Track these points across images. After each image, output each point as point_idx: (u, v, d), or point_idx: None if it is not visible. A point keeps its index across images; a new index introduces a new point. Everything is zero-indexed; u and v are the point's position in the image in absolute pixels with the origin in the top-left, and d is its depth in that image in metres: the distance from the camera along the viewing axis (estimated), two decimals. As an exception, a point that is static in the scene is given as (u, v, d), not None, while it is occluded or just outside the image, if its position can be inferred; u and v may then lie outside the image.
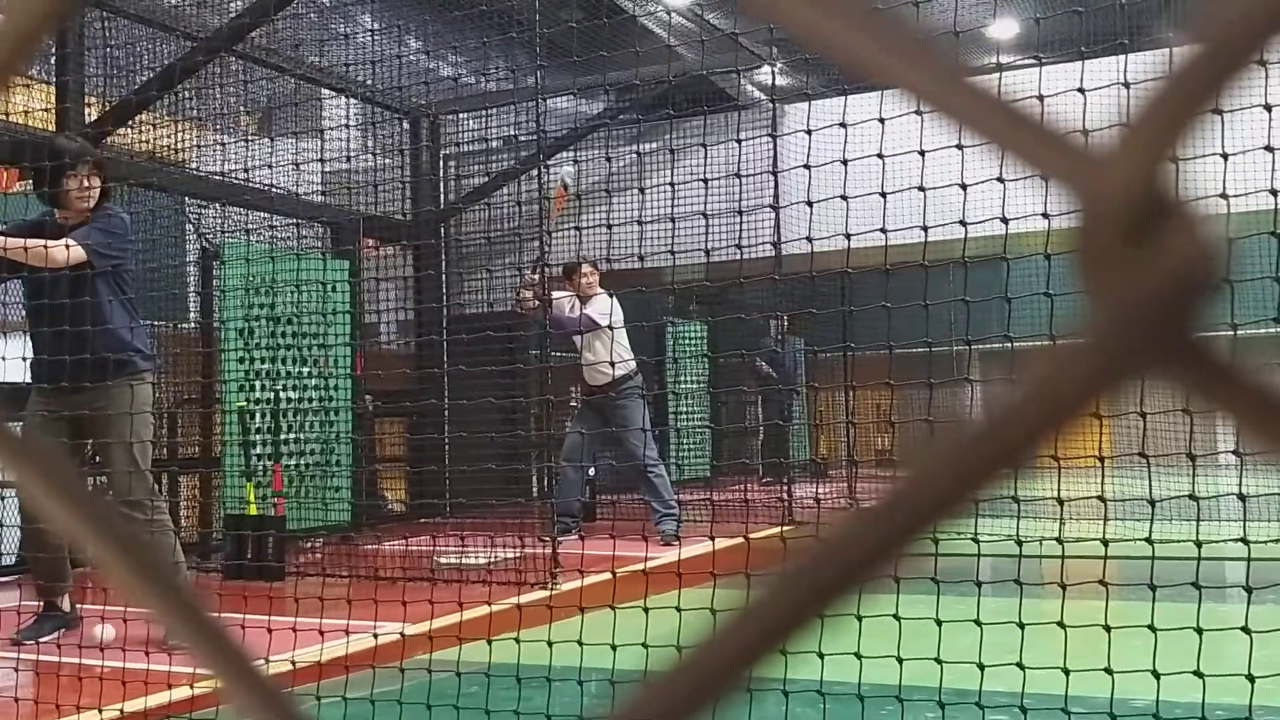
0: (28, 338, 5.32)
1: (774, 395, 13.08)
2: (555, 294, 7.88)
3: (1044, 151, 0.30)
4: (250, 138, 9.02)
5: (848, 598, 0.37)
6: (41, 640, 5.11)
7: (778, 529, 8.08)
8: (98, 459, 5.54)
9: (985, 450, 0.34)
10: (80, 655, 4.47)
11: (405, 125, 11.17)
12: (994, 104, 0.30)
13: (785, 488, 9.61)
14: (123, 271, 5.24)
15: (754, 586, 0.38)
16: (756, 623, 0.38)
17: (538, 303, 7.47)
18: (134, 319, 5.30)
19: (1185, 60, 0.28)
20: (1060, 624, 3.35)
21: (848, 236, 3.88)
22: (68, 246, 4.95)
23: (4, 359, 5.52)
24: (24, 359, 5.34)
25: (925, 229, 3.79)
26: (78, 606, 5.42)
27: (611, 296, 8.14)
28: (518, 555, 6.62)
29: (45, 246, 4.91)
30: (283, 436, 8.12)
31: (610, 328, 7.79)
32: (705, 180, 4.59)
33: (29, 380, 5.33)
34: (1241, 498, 3.56)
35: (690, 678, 0.38)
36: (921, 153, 3.91)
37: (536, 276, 7.35)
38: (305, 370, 8.48)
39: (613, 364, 7.11)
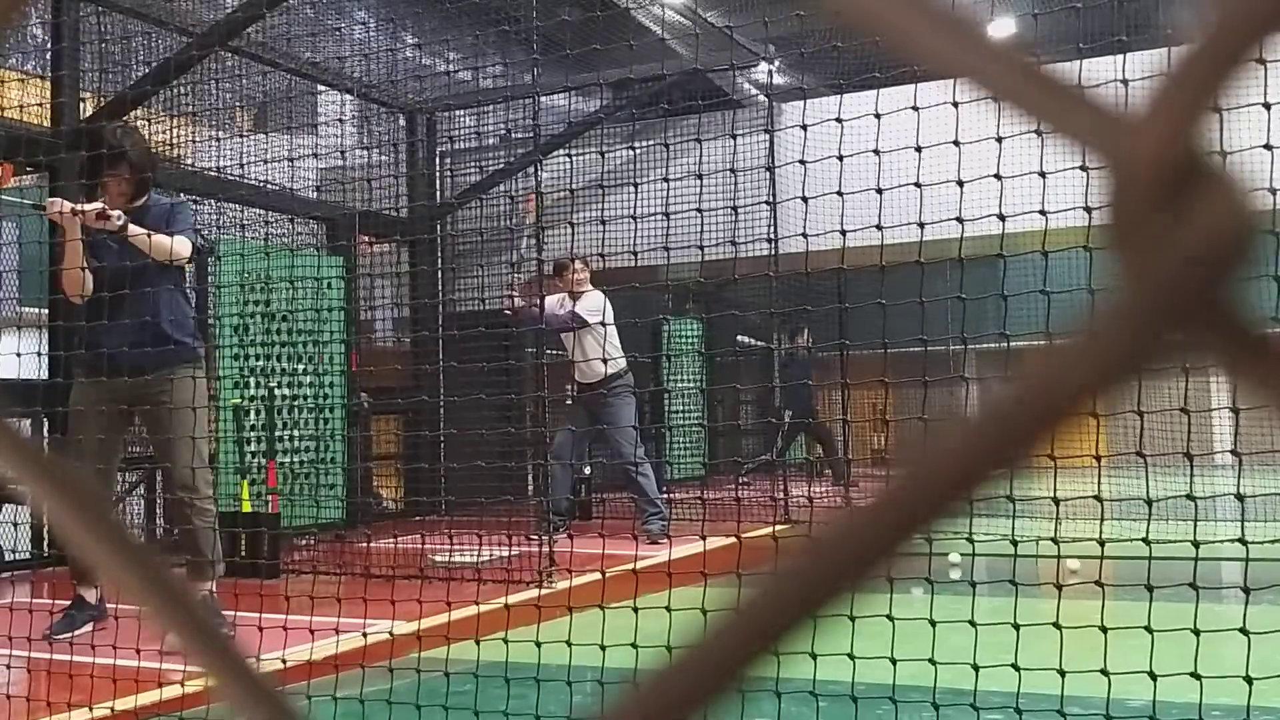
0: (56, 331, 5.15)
1: (772, 393, 13.03)
2: (548, 296, 7.87)
3: (1071, 113, 0.28)
4: (245, 133, 8.99)
5: (842, 597, 0.36)
6: (77, 634, 4.96)
7: (770, 528, 8.06)
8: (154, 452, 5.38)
9: (990, 444, 0.33)
10: (71, 652, 4.44)
11: (401, 121, 11.14)
12: (1018, 65, 0.28)
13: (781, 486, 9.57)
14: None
15: (747, 586, 0.37)
16: (750, 622, 0.36)
17: (524, 305, 7.45)
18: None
19: (1219, 16, 0.26)
20: (1056, 624, 3.33)
21: (843, 233, 3.86)
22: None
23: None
24: (38, 354, 5.24)
25: (921, 226, 3.78)
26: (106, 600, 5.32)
27: (603, 294, 8.11)
28: (514, 554, 6.60)
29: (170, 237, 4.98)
30: (278, 433, 8.09)
31: (602, 324, 7.76)
32: (700, 177, 4.57)
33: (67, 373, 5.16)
34: (1239, 498, 3.55)
35: (683, 678, 0.37)
36: (918, 149, 3.89)
37: (522, 280, 7.34)
38: (300, 367, 8.46)
39: (605, 361, 7.08)
